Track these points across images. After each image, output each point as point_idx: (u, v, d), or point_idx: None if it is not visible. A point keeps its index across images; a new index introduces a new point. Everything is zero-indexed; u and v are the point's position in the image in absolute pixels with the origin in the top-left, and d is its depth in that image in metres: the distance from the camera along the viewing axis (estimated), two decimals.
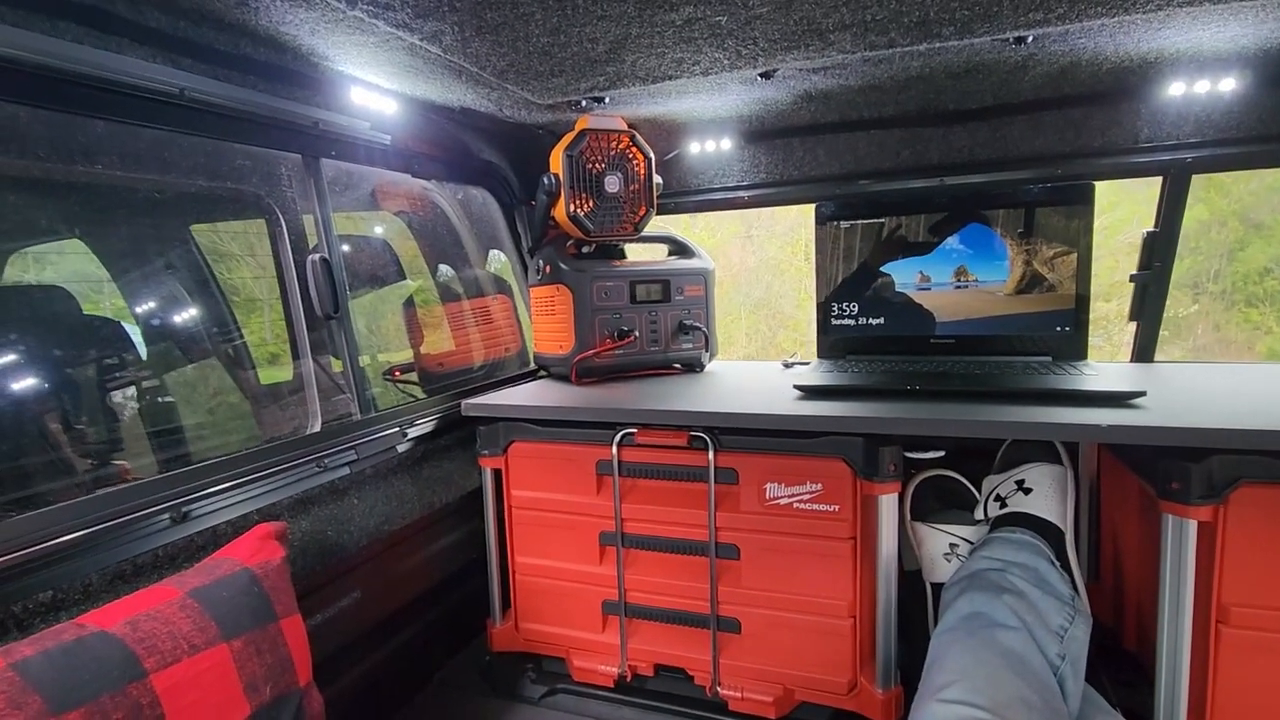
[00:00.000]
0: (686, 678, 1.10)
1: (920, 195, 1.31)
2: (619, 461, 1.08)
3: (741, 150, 1.41)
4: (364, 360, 1.35)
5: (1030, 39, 0.97)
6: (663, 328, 1.34)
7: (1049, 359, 1.18)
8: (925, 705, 0.79)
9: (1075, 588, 1.01)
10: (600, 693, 1.14)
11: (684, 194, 1.49)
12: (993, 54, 1.03)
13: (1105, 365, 1.18)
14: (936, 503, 1.17)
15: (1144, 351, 1.28)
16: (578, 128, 1.24)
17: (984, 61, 1.07)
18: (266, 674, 0.69)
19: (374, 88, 1.07)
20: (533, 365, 1.50)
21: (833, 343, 1.34)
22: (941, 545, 1.13)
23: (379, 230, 1.49)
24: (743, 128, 1.36)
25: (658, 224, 1.48)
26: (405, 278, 1.43)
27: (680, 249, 1.43)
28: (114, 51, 0.77)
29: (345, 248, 1.31)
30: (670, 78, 1.08)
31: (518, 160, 1.47)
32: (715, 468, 1.03)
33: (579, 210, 1.26)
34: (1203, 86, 1.09)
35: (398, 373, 1.39)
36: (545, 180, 1.25)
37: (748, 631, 1.05)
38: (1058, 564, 1.01)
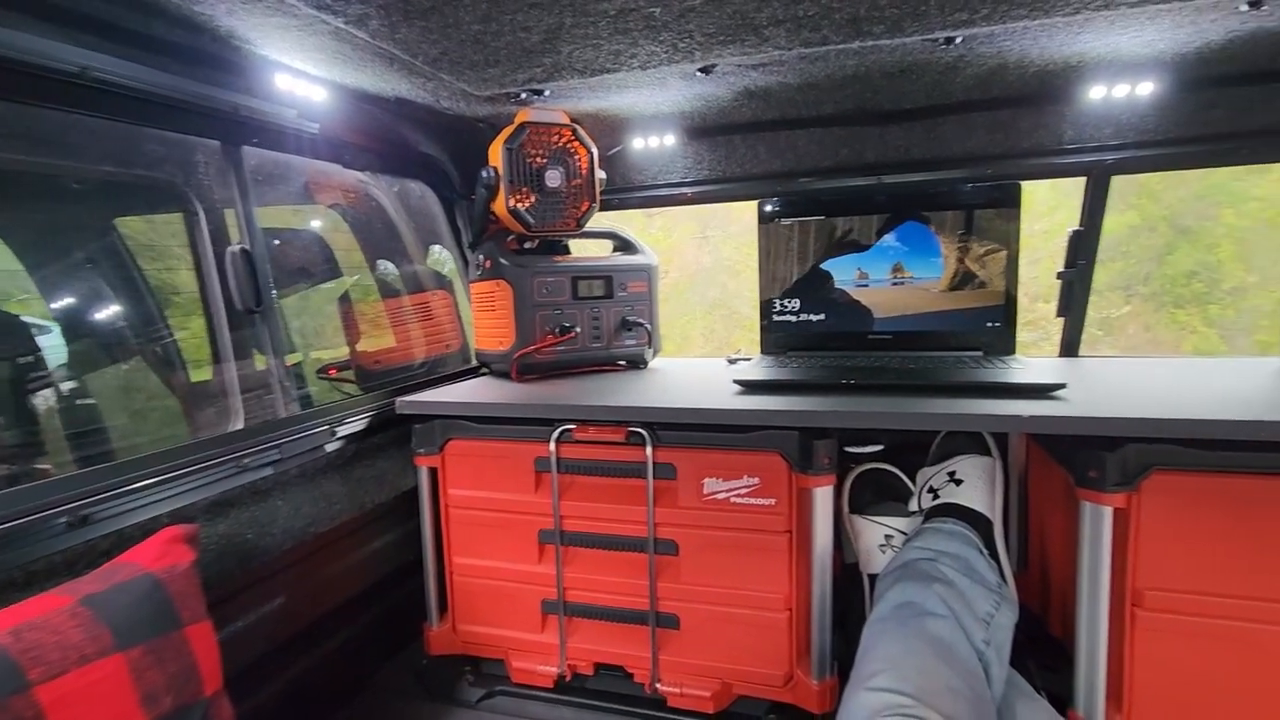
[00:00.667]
0: (626, 675, 1.09)
1: (859, 193, 1.33)
2: (557, 458, 1.06)
3: (685, 146, 1.41)
4: (295, 358, 1.31)
5: (959, 40, 0.99)
6: (605, 324, 1.32)
7: (980, 354, 1.21)
8: (855, 694, 0.79)
9: (1003, 576, 1.03)
10: (539, 694, 1.12)
11: (628, 190, 1.49)
12: (925, 54, 1.05)
13: (1033, 360, 1.22)
14: (873, 496, 1.19)
15: (1070, 346, 1.32)
16: (517, 120, 1.22)
17: (916, 62, 1.09)
18: (168, 684, 0.65)
19: (301, 74, 1.03)
20: (474, 362, 1.47)
21: (775, 339, 1.35)
22: (877, 537, 1.15)
23: (314, 224, 1.44)
24: (685, 124, 1.36)
25: (605, 220, 1.47)
26: (340, 272, 1.39)
27: (624, 245, 1.42)
28: (7, 27, 0.73)
29: (275, 241, 1.26)
30: (609, 70, 1.07)
31: (458, 153, 1.44)
32: (653, 463, 1.02)
33: (519, 205, 1.24)
34: (1122, 90, 1.13)
35: (333, 371, 1.34)
36: (484, 174, 1.23)
37: (686, 627, 1.05)
38: (986, 553, 1.03)
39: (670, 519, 1.03)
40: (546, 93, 1.17)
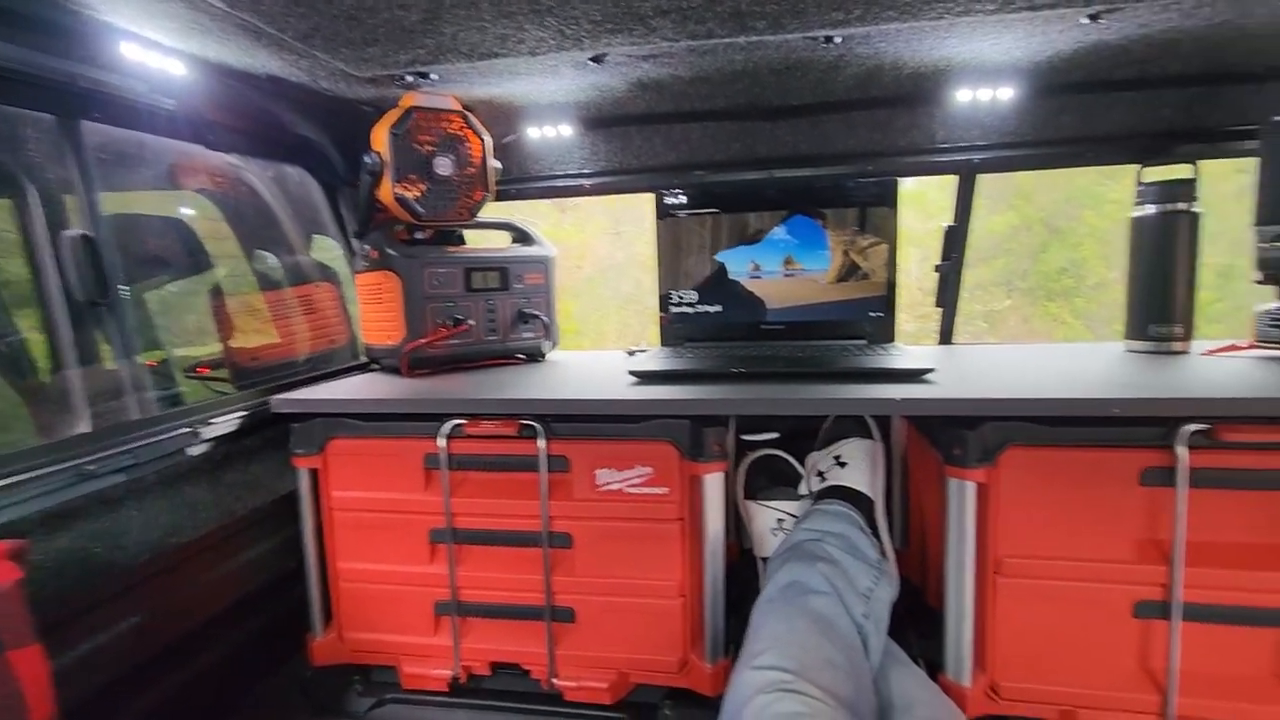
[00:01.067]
0: (523, 673, 1.07)
1: (751, 187, 1.37)
2: (448, 454, 1.03)
3: (582, 137, 1.40)
4: (159, 355, 1.20)
5: (838, 39, 1.03)
6: (501, 316, 1.29)
7: (864, 342, 1.27)
8: (741, 673, 0.81)
9: (884, 552, 1.09)
10: (433, 698, 1.08)
11: (526, 180, 1.46)
12: (808, 52, 1.09)
13: (911, 347, 1.28)
14: (766, 481, 1.22)
15: (947, 334, 1.41)
16: (403, 105, 1.18)
17: (801, 60, 1.12)
18: None
19: (153, 45, 0.95)
20: (363, 357, 1.40)
21: (673, 331, 1.36)
22: (770, 521, 1.18)
23: (182, 211, 1.32)
24: (581, 114, 1.35)
25: (503, 212, 1.43)
26: (211, 263, 1.29)
27: (521, 236, 1.39)
28: None
29: (129, 228, 1.15)
30: (496, 55, 1.04)
31: (341, 138, 1.37)
32: (547, 456, 1.00)
33: (407, 193, 1.19)
34: (985, 94, 1.21)
35: (203, 369, 1.25)
36: (368, 160, 1.17)
37: (582, 620, 1.04)
38: (869, 531, 1.08)
39: (564, 511, 1.02)
40: (434, 76, 1.13)
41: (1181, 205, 1.14)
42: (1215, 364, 1.05)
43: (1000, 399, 0.85)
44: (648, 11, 0.92)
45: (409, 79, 1.14)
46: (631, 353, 1.40)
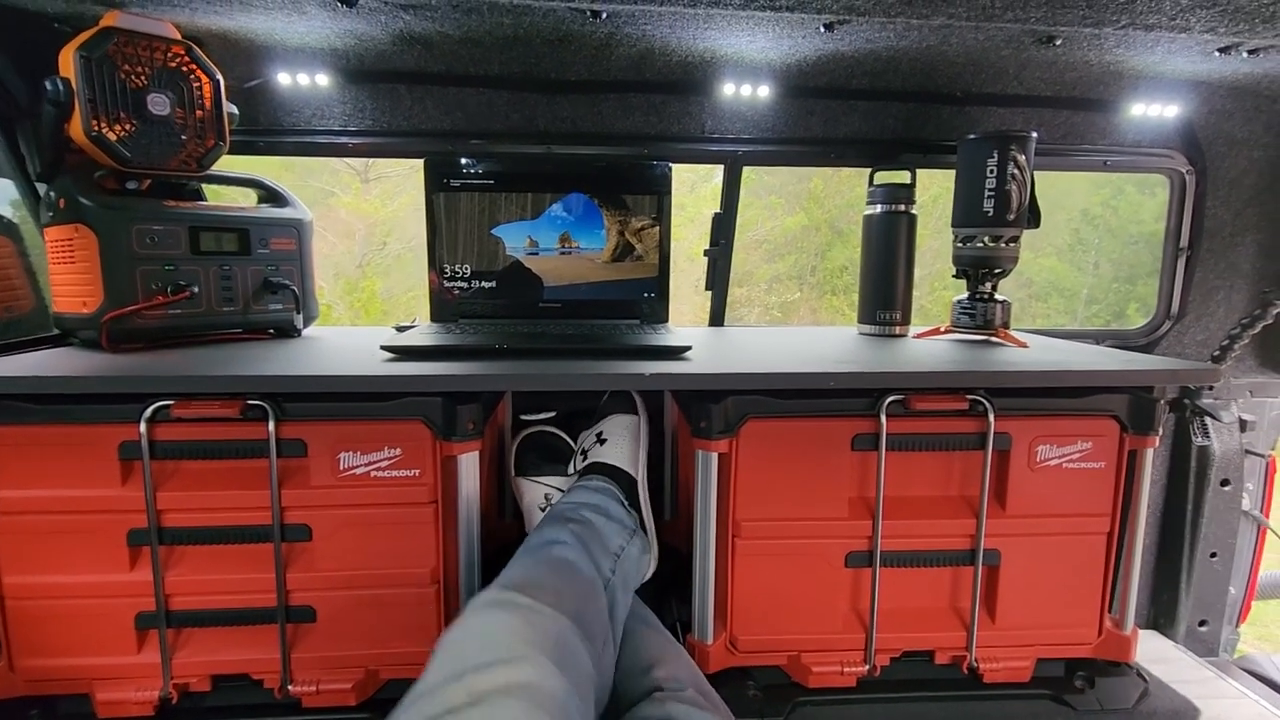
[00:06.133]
0: (253, 683, 0.96)
1: (529, 160, 1.33)
2: (150, 442, 0.88)
3: (343, 90, 1.27)
4: None
5: (604, 15, 1.03)
6: (240, 285, 1.14)
7: (638, 322, 1.30)
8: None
9: (643, 525, 1.12)
10: None
11: (278, 133, 1.29)
12: (578, 25, 1.07)
13: (682, 329, 1.34)
14: (536, 458, 1.21)
15: (717, 316, 1.49)
16: (101, 24, 0.98)
17: (572, 32, 1.11)
18: None
19: None
20: (54, 329, 1.16)
21: (446, 306, 1.29)
22: (538, 497, 1.17)
23: None
24: (339, 64, 1.23)
25: (249, 167, 1.26)
26: None
27: (271, 195, 1.24)
28: None
29: None
30: None
31: (23, 58, 1.11)
32: (277, 439, 0.90)
33: (108, 132, 0.99)
34: (746, 90, 1.29)
35: None
36: (49, 86, 0.96)
37: (324, 618, 0.95)
38: (626, 504, 1.10)
39: (301, 501, 0.92)
40: None
41: (902, 207, 1.30)
42: (920, 345, 1.21)
43: (736, 374, 0.90)
44: None
45: None
46: (401, 328, 1.31)
